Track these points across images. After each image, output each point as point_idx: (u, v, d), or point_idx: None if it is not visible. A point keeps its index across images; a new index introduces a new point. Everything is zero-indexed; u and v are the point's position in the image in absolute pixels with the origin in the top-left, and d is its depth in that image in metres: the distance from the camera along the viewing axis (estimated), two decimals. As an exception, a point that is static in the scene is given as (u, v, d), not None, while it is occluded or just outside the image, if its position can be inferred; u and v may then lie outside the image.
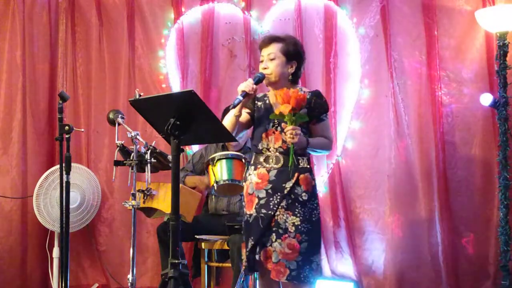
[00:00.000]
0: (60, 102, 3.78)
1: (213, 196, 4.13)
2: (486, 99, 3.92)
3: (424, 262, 4.19)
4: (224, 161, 3.35)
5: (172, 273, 2.42)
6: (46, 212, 4.38)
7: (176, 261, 2.43)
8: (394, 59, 4.30)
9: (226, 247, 3.85)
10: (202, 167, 4.20)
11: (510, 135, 3.88)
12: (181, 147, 2.51)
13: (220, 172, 3.33)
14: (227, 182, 3.31)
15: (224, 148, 4.17)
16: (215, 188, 3.34)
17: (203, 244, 3.98)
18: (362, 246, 4.34)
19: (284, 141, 2.81)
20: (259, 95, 3.00)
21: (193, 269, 4.21)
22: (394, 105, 4.27)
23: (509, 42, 3.87)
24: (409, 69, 4.31)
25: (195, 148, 4.56)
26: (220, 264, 4.11)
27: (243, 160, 3.39)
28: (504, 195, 3.86)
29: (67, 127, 3.64)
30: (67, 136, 3.66)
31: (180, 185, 2.70)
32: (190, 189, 3.92)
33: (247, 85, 2.78)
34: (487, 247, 4.11)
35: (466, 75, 4.20)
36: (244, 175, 3.22)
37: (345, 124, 4.39)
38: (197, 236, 4.00)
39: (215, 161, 3.36)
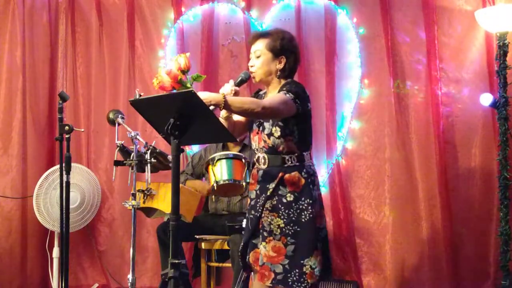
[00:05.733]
0: (60, 102, 3.78)
1: (213, 196, 4.13)
2: (486, 99, 3.92)
3: (424, 262, 4.19)
4: (224, 161, 3.34)
5: (172, 273, 2.42)
6: (46, 212, 4.38)
7: (176, 261, 2.43)
8: (394, 59, 4.30)
9: (226, 247, 3.85)
10: (202, 169, 4.20)
11: (510, 135, 3.88)
12: (181, 147, 2.51)
13: (220, 172, 3.33)
14: (227, 182, 3.30)
15: (225, 148, 4.17)
16: (215, 188, 3.33)
17: (203, 244, 3.98)
18: (362, 246, 4.34)
19: (265, 141, 2.75)
20: (261, 92, 2.97)
21: (193, 269, 4.21)
22: (394, 105, 4.28)
23: (509, 42, 3.86)
24: (409, 69, 4.31)
25: (195, 148, 4.56)
26: (220, 264, 4.11)
27: (243, 160, 3.39)
28: (504, 195, 3.86)
29: (67, 127, 3.64)
30: (67, 136, 3.66)
31: (180, 185, 2.70)
32: (190, 189, 3.91)
33: (227, 89, 2.71)
34: (487, 247, 4.11)
35: (466, 75, 4.20)
36: (244, 175, 3.22)
37: (345, 124, 4.39)
38: (197, 236, 4.00)
39: (215, 161, 3.35)
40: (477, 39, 4.16)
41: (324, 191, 4.40)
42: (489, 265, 4.10)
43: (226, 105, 2.52)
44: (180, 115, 2.41)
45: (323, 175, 4.40)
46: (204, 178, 4.34)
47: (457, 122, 4.21)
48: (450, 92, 4.23)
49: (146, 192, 3.56)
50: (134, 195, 3.45)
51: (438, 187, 4.16)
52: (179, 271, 2.43)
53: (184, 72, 2.56)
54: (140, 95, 3.31)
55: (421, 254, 4.21)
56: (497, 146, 3.94)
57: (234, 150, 4.06)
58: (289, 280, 2.66)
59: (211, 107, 2.50)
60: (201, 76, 2.70)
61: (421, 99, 4.27)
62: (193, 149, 4.59)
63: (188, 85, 2.56)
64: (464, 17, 4.20)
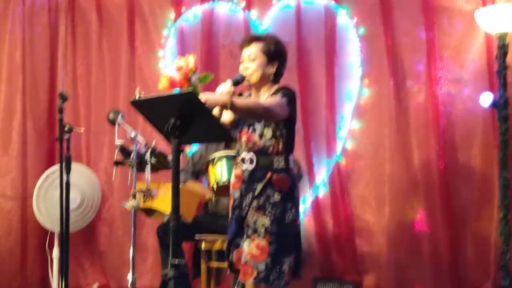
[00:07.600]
0: (60, 102, 3.78)
1: (213, 197, 4.13)
2: (486, 99, 3.91)
3: (424, 262, 4.19)
4: (224, 161, 3.35)
5: (172, 273, 2.42)
6: (46, 212, 4.38)
7: (176, 261, 2.43)
8: (394, 59, 4.30)
9: (226, 247, 3.85)
10: (202, 167, 4.20)
11: (510, 135, 3.88)
12: (181, 147, 2.51)
13: (220, 172, 3.33)
14: (227, 182, 3.31)
15: (226, 147, 4.16)
16: (215, 188, 3.34)
17: (203, 244, 3.98)
18: (362, 246, 4.33)
19: (255, 142, 2.80)
20: (245, 93, 3.00)
21: (193, 269, 4.21)
22: (394, 105, 4.27)
23: (509, 43, 3.86)
24: (409, 69, 4.31)
25: (195, 148, 4.56)
26: (220, 264, 4.11)
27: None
28: (504, 195, 3.85)
29: (67, 127, 3.64)
30: (67, 136, 3.66)
31: (180, 185, 2.70)
32: (190, 190, 3.91)
33: (225, 88, 2.73)
34: (487, 247, 4.10)
35: (466, 75, 4.20)
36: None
37: (345, 124, 4.39)
38: (197, 236, 4.00)
39: (215, 161, 3.36)
40: (477, 39, 4.15)
41: (324, 191, 4.40)
42: (489, 265, 4.09)
43: (232, 106, 2.57)
44: (180, 115, 2.42)
45: (323, 175, 4.40)
46: (204, 177, 4.34)
47: (457, 122, 4.21)
48: (450, 92, 4.23)
49: (146, 192, 3.56)
50: (134, 195, 3.45)
51: (438, 188, 4.16)
52: (179, 271, 2.43)
53: (192, 71, 2.60)
54: (140, 95, 3.32)
55: (421, 254, 4.21)
56: (497, 146, 3.94)
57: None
58: (271, 277, 2.73)
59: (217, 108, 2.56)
60: (208, 76, 2.75)
61: (421, 99, 4.27)
62: (193, 149, 4.59)
63: (196, 84, 2.60)
64: (464, 17, 4.19)
